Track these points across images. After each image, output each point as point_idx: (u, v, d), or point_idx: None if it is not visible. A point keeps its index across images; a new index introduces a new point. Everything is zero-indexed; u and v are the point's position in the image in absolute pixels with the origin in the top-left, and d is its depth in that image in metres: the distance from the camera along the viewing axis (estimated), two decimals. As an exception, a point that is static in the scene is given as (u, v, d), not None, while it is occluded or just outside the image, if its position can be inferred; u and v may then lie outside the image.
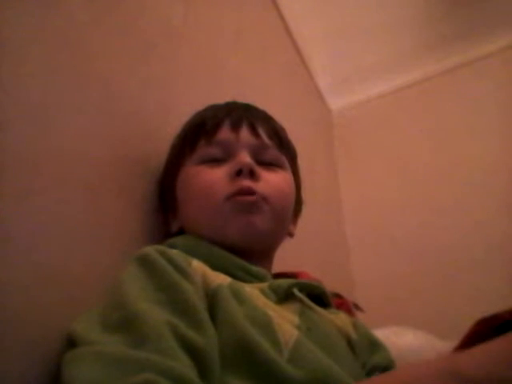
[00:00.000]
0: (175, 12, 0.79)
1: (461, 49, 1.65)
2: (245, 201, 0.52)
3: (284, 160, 0.60)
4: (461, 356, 0.28)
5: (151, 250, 0.43)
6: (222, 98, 0.63)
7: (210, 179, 0.54)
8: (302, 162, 0.68)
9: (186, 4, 0.83)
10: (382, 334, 0.75)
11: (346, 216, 1.72)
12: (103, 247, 0.50)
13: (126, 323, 0.35)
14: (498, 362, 0.26)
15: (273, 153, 0.58)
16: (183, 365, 0.33)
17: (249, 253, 0.53)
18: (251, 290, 0.46)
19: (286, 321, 0.43)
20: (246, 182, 0.52)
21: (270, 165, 0.57)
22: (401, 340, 0.86)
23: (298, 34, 1.53)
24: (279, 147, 0.59)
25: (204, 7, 0.90)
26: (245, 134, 0.57)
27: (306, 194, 0.68)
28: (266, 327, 0.40)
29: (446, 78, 1.68)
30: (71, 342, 0.37)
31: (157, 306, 0.37)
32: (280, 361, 0.37)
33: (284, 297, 0.48)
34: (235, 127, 0.56)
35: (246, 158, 0.54)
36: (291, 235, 0.63)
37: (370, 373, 0.49)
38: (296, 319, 0.45)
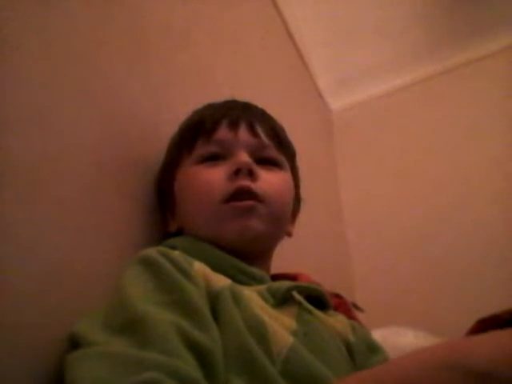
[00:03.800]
0: (175, 12, 0.79)
1: (461, 49, 1.65)
2: (242, 206, 0.51)
3: (283, 160, 0.59)
4: (466, 346, 0.26)
5: (153, 251, 0.43)
6: (221, 98, 0.63)
7: (208, 179, 0.53)
8: (301, 161, 0.68)
9: (186, 4, 0.83)
10: (382, 334, 0.75)
11: (345, 216, 1.72)
12: (103, 247, 0.50)
13: (130, 325, 0.35)
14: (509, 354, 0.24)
15: (271, 152, 0.58)
16: (189, 365, 0.33)
17: (246, 253, 0.53)
18: (249, 294, 0.45)
19: (282, 327, 0.43)
20: (245, 182, 0.52)
21: (268, 164, 0.57)
22: (401, 340, 0.86)
23: (298, 35, 1.53)
24: (278, 147, 0.59)
25: (204, 7, 0.90)
26: (243, 133, 0.56)
27: (305, 194, 0.68)
28: (261, 336, 0.40)
29: (445, 78, 1.69)
30: (74, 344, 0.37)
31: (161, 308, 0.37)
32: (273, 372, 0.37)
33: (282, 300, 0.47)
34: (233, 126, 0.56)
35: (244, 157, 0.54)
36: (290, 235, 0.62)
37: None
38: (293, 324, 0.45)
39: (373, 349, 0.53)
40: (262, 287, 0.49)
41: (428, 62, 1.70)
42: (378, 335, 0.68)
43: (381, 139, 1.75)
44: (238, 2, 1.11)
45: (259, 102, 0.64)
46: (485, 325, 0.56)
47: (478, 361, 0.24)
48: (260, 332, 0.40)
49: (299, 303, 0.48)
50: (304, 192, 0.68)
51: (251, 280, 0.50)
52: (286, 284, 0.49)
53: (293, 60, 1.54)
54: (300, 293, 0.49)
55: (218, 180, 0.53)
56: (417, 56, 1.70)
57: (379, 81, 1.78)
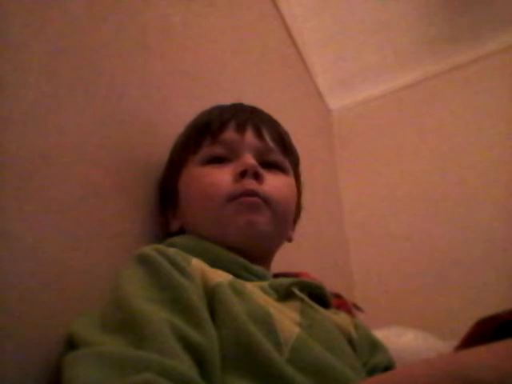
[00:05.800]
0: (175, 12, 0.79)
1: (461, 49, 1.65)
2: (246, 201, 0.52)
3: (287, 164, 0.60)
4: (466, 356, 0.27)
5: (150, 249, 0.43)
6: (222, 98, 0.63)
7: (213, 180, 0.54)
8: (301, 161, 0.68)
9: (186, 4, 0.83)
10: (382, 334, 0.75)
11: (346, 216, 1.72)
12: (103, 247, 0.50)
13: (126, 323, 0.35)
14: None
15: (276, 156, 0.58)
16: (184, 364, 0.33)
17: (248, 254, 0.53)
18: (252, 288, 0.46)
19: (287, 318, 0.43)
20: (250, 185, 0.52)
21: (273, 168, 0.58)
22: (401, 340, 0.86)
23: (298, 34, 1.53)
24: (283, 151, 0.59)
25: (204, 7, 0.90)
26: (250, 136, 0.57)
27: (305, 194, 0.68)
28: (267, 325, 0.40)
29: (446, 78, 1.69)
30: (71, 344, 0.37)
31: (157, 306, 0.37)
32: (280, 361, 0.37)
33: (284, 295, 0.48)
34: (240, 129, 0.57)
35: (250, 159, 0.54)
36: (290, 240, 0.63)
37: (370, 373, 0.49)
38: (297, 316, 0.45)
39: (375, 346, 0.54)
40: (264, 283, 0.49)
41: (428, 61, 1.70)
42: (377, 335, 0.68)
43: (381, 139, 1.75)
44: (238, 2, 1.11)
45: (259, 102, 0.64)
46: (485, 325, 0.57)
47: (482, 373, 0.24)
48: (266, 321, 0.41)
49: (301, 299, 0.48)
50: (304, 192, 0.68)
51: (253, 276, 0.51)
52: (288, 280, 0.50)
53: (293, 60, 1.54)
54: (302, 290, 0.50)
55: (223, 181, 0.53)
56: (417, 56, 1.70)
57: (379, 81, 1.78)
